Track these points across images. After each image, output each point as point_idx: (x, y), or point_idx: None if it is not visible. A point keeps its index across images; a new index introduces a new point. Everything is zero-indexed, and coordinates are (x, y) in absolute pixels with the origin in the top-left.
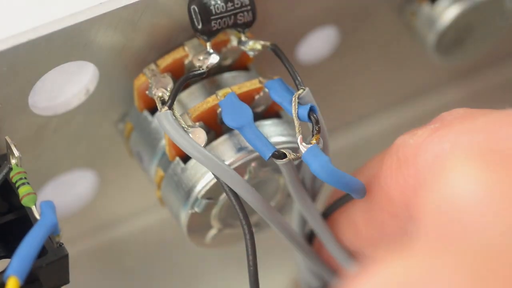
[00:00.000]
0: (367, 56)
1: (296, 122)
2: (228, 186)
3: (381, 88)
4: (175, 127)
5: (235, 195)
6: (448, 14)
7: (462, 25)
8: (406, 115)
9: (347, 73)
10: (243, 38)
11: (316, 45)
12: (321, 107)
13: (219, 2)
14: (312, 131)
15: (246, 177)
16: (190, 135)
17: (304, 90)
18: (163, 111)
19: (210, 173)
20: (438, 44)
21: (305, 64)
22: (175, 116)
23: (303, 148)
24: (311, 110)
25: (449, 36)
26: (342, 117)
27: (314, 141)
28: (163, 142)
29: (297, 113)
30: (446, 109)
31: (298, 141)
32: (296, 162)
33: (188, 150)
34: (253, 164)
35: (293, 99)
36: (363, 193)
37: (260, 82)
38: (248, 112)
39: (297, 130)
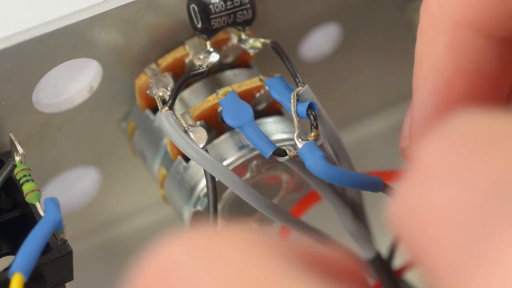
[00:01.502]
0: (369, 53)
1: (295, 119)
2: (210, 183)
3: (384, 86)
4: (175, 127)
5: (214, 194)
6: None
7: None
8: None
9: (349, 71)
10: (243, 36)
11: (319, 42)
12: (323, 104)
13: (218, 0)
14: (311, 128)
15: (248, 175)
16: (191, 134)
17: (303, 86)
18: (164, 112)
19: None
20: None
21: (308, 62)
22: (175, 116)
23: (299, 144)
24: (310, 107)
25: None
26: (344, 115)
27: (311, 138)
28: (165, 140)
29: (296, 110)
30: None
31: (295, 137)
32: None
33: (187, 152)
34: (255, 162)
35: (292, 96)
36: (377, 186)
37: (260, 80)
38: (248, 110)
39: (296, 127)
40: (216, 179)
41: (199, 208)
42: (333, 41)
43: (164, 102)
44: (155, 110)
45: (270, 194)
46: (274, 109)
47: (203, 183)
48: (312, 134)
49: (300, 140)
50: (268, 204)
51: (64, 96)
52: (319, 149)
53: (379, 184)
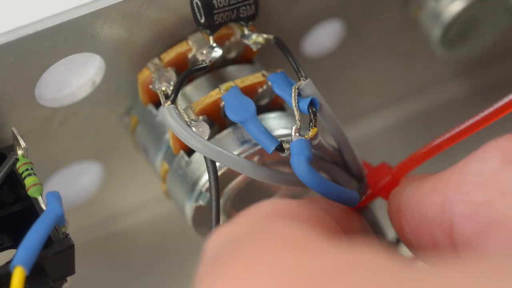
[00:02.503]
0: (372, 50)
1: (296, 112)
2: (212, 177)
3: (386, 82)
4: (178, 121)
5: (216, 184)
6: (453, 8)
7: (467, 19)
8: (411, 110)
9: (352, 67)
10: (246, 32)
11: (322, 38)
12: (325, 100)
13: None
14: (309, 124)
15: None
16: (193, 129)
17: (304, 80)
18: (166, 106)
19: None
20: (443, 38)
21: (311, 58)
22: (178, 111)
23: (295, 138)
24: (311, 103)
25: (454, 30)
26: (346, 111)
27: (307, 136)
28: (168, 135)
29: (298, 104)
30: (451, 104)
31: (293, 130)
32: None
33: (191, 143)
34: (257, 157)
35: (293, 89)
36: (352, 202)
37: (263, 75)
38: (250, 106)
39: (297, 119)
40: (219, 174)
41: (201, 203)
42: (336, 38)
43: (166, 96)
44: (157, 105)
45: (270, 191)
46: (276, 105)
47: (205, 177)
48: (310, 132)
49: (297, 134)
50: (289, 179)
51: (67, 90)
52: (309, 150)
53: (355, 200)
